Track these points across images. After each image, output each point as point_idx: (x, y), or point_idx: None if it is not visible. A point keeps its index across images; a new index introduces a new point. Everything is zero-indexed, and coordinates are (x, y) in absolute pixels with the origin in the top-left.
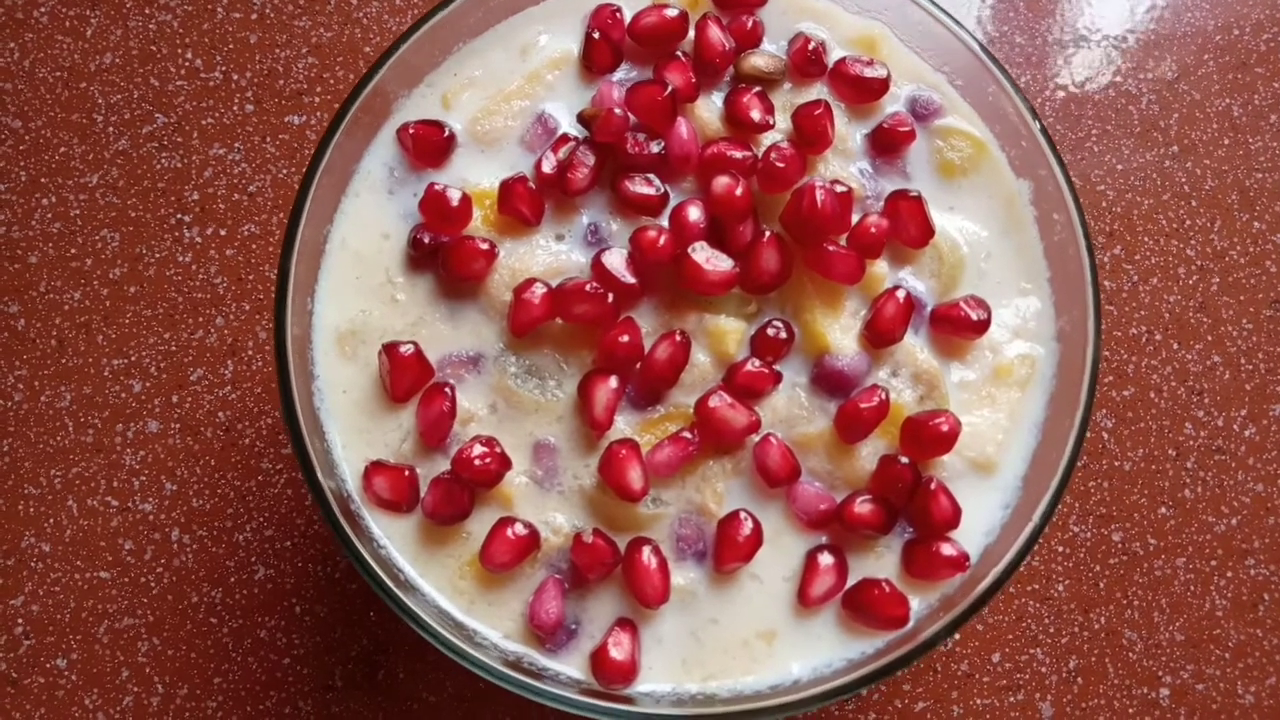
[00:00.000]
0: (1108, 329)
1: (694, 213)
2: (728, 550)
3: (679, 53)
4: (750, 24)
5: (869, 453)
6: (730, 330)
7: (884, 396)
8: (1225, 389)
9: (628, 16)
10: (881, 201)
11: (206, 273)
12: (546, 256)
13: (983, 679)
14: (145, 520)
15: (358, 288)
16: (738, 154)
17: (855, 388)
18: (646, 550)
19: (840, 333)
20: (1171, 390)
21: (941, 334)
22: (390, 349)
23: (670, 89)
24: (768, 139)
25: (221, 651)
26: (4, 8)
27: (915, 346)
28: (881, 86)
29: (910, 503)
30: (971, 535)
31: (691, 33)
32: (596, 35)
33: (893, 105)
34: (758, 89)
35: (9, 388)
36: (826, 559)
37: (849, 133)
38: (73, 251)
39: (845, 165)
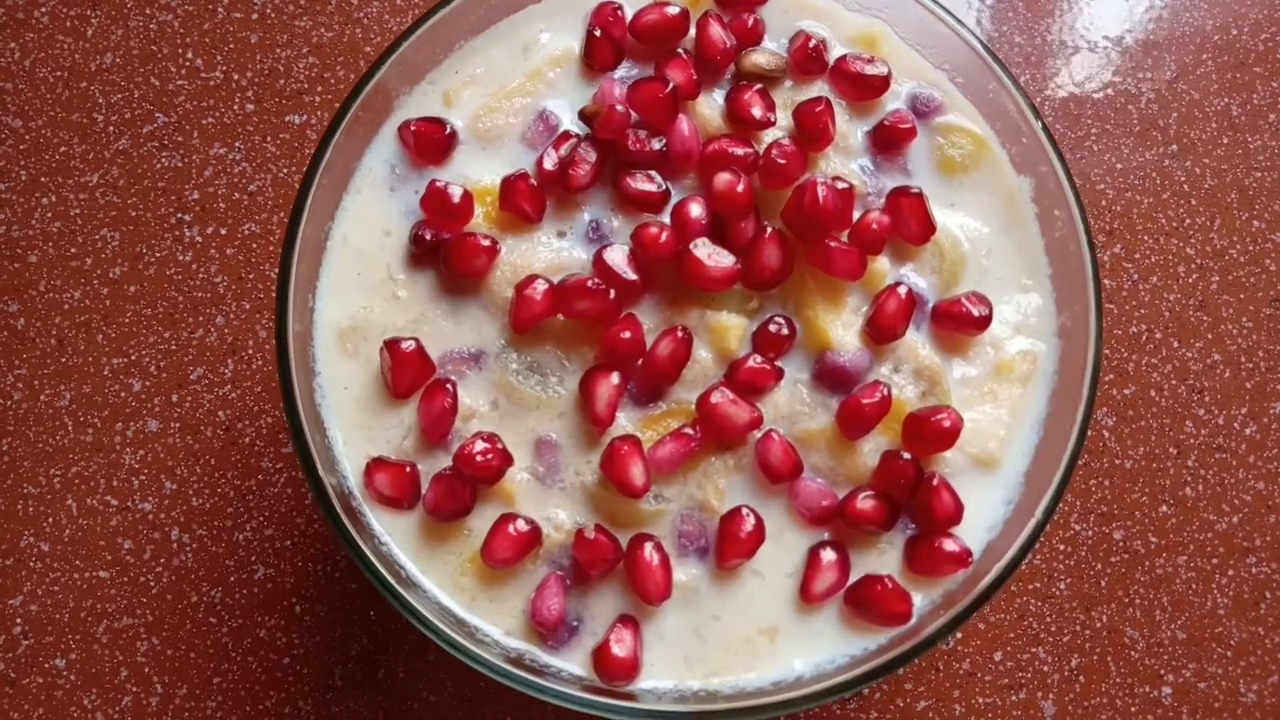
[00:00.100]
0: (1108, 328)
1: (695, 209)
2: (730, 546)
3: (680, 50)
4: (751, 22)
5: (871, 449)
6: (732, 326)
7: (886, 392)
8: (1226, 387)
9: (629, 14)
10: (882, 199)
11: (207, 272)
12: (548, 253)
13: (985, 678)
14: (145, 519)
15: (359, 284)
16: (739, 151)
17: (857, 384)
18: (648, 546)
19: (842, 329)
20: (1172, 388)
21: (943, 330)
22: (392, 345)
23: (672, 86)
24: (769, 136)
25: (221, 651)
26: (4, 7)
27: (917, 343)
28: (882, 84)
29: (912, 499)
30: (974, 531)
31: (693, 30)
32: (598, 33)
33: (893, 103)
34: (759, 86)
35: (8, 387)
36: (829, 555)
37: (850, 130)
38: (73, 251)
39: (846, 162)
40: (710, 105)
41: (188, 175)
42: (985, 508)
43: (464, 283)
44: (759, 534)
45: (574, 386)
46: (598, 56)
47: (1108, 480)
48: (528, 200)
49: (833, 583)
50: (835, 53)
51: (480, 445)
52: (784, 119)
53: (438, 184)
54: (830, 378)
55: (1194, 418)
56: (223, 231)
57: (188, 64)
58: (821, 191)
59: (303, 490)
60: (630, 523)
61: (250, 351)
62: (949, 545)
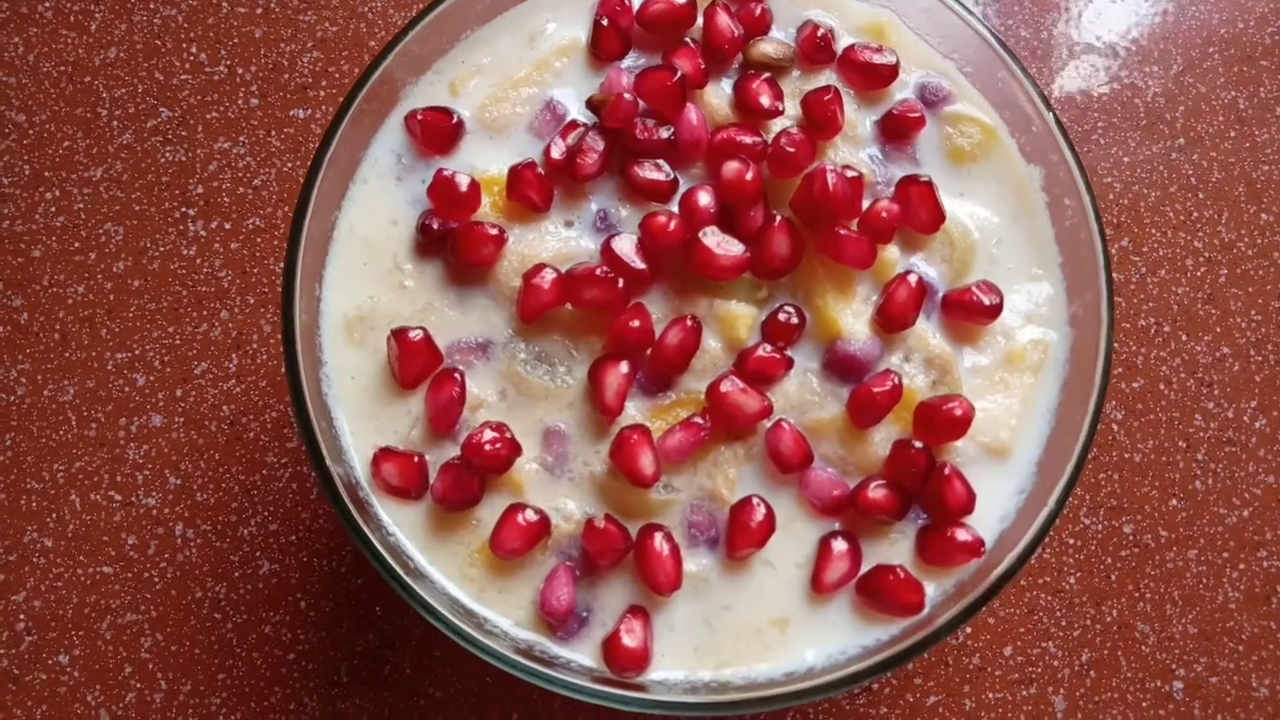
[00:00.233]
0: (1116, 321)
1: (704, 198)
2: (740, 536)
3: (687, 40)
4: (759, 11)
5: (882, 438)
6: (741, 315)
7: (897, 381)
8: (1235, 380)
9: (636, 4)
10: (891, 188)
11: (211, 266)
12: (556, 242)
13: (995, 672)
14: (149, 515)
15: (366, 274)
16: (747, 139)
17: (867, 373)
18: (658, 536)
19: (852, 318)
20: (1181, 382)
21: (953, 319)
22: (399, 334)
23: (680, 74)
24: (777, 125)
25: (226, 647)
26: (9, 2)
27: (927, 332)
28: (891, 73)
29: (924, 488)
30: (986, 521)
31: (700, 20)
32: (605, 22)
33: (902, 92)
34: (767, 75)
35: (12, 382)
36: (840, 545)
37: (858, 119)
38: (76, 245)
39: (855, 151)
40: (718, 94)
41: (192, 170)
42: (997, 497)
43: (471, 272)
44: (769, 524)
45: (582, 376)
46: (605, 46)
47: (1117, 474)
48: (535, 189)
49: (844, 573)
50: (843, 42)
51: (489, 434)
52: (792, 108)
53: (445, 173)
54: (840, 367)
55: (1203, 411)
56: (227, 226)
57: (192, 58)
58: (831, 179)
59: (308, 485)
60: (640, 513)
61: (255, 346)
62: (961, 535)
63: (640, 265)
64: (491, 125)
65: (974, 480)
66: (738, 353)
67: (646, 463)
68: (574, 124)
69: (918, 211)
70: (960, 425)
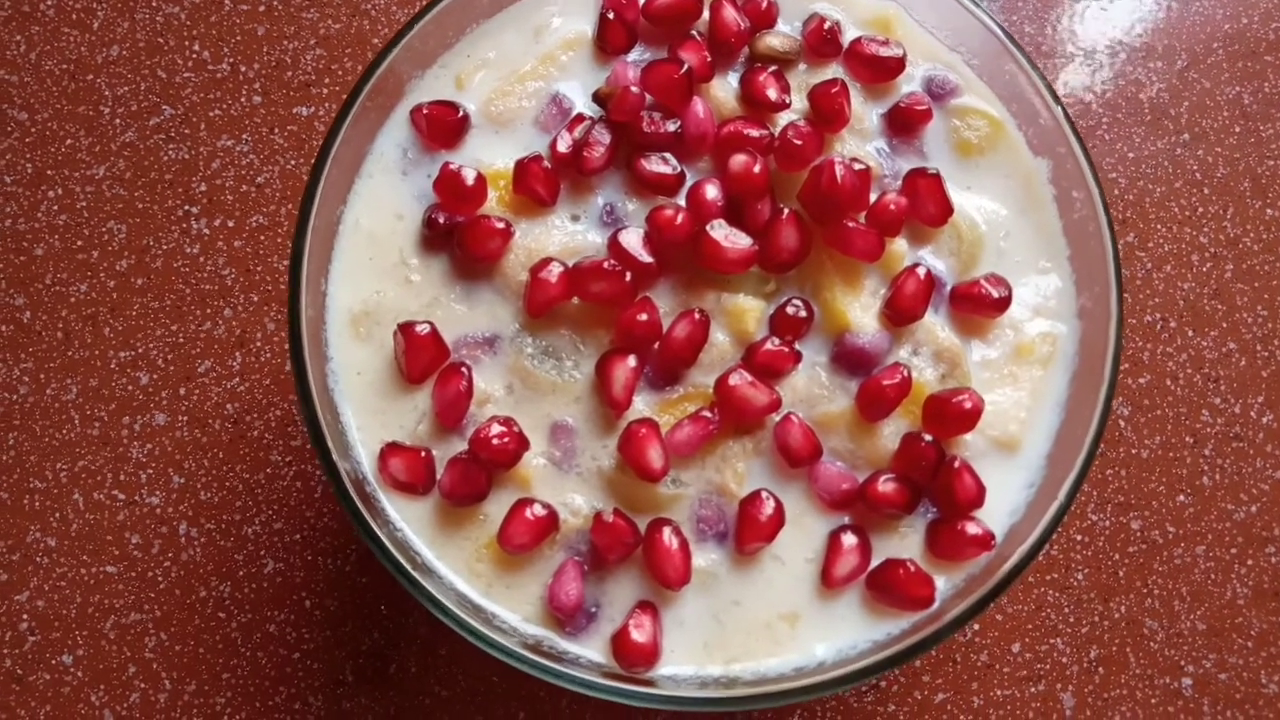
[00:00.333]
0: (1123, 315)
1: (711, 191)
2: (749, 530)
3: (694, 33)
4: (765, 4)
5: (891, 432)
6: (749, 309)
7: (906, 374)
8: (1242, 376)
9: None
10: (899, 181)
11: (214, 264)
12: (562, 236)
13: (1003, 669)
14: (152, 514)
15: (371, 269)
16: (754, 133)
17: (876, 366)
18: (667, 531)
19: (860, 311)
20: (1188, 377)
21: (962, 312)
22: (406, 328)
23: (686, 67)
24: (784, 118)
25: (230, 647)
26: (11, 0)
27: (936, 325)
28: (897, 66)
29: (934, 481)
30: (996, 515)
31: (706, 13)
32: (611, 16)
33: (908, 85)
34: (773, 68)
35: (15, 381)
36: (850, 539)
37: (865, 112)
38: (79, 244)
39: (862, 144)
40: (724, 88)
41: (195, 168)
42: (1007, 491)
43: (478, 266)
44: (779, 518)
45: (590, 370)
46: (611, 39)
47: (1124, 470)
48: (541, 183)
49: (854, 567)
50: (849, 35)
51: (497, 429)
52: (799, 102)
53: (451, 166)
54: (849, 360)
55: (1210, 406)
56: (230, 224)
57: (194, 56)
58: (839, 171)
59: (312, 484)
60: (648, 507)
61: (258, 344)
62: (971, 528)
63: (647, 259)
64: (497, 119)
65: (983, 474)
66: (746, 346)
67: (655, 457)
68: (580, 117)
69: (926, 204)
70: (970, 418)
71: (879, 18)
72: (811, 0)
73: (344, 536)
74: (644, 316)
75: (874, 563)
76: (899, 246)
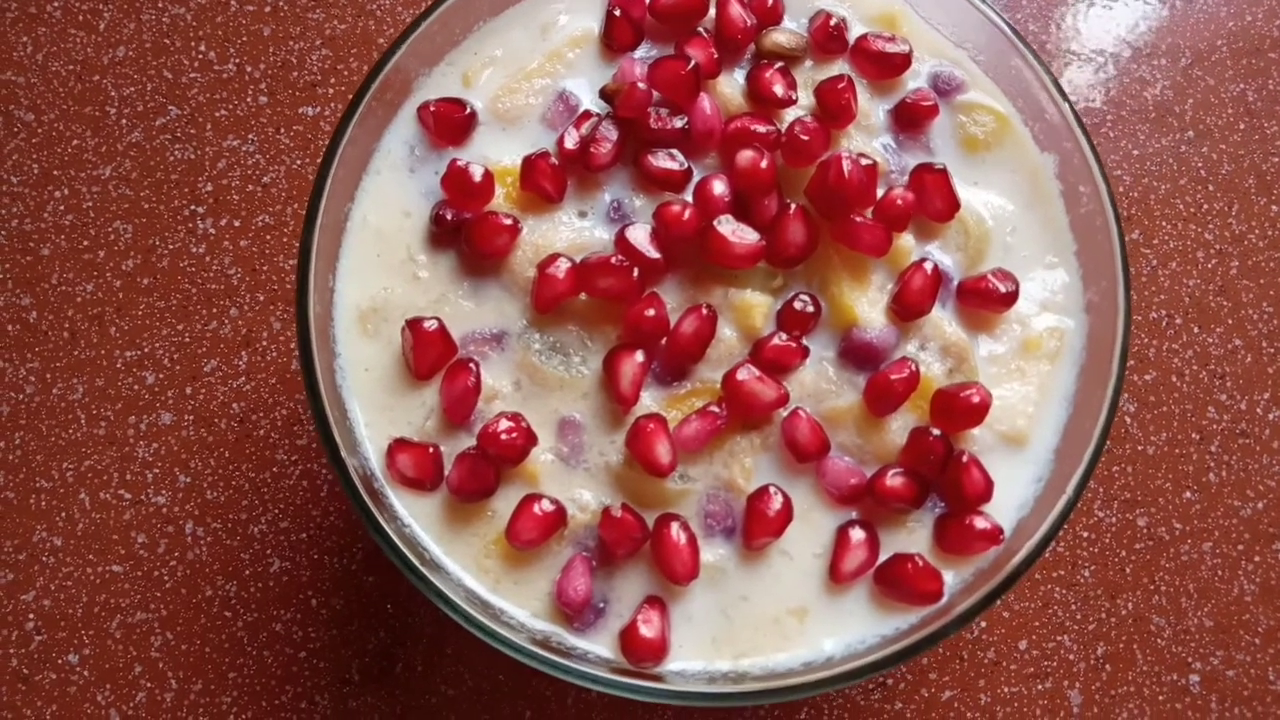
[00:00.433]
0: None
1: (718, 186)
2: (757, 525)
3: (700, 30)
4: (771, 1)
5: (899, 426)
6: (756, 304)
7: (914, 368)
8: (1248, 372)
9: None
10: (905, 177)
11: (220, 264)
12: (569, 233)
13: (1010, 666)
14: (158, 513)
15: (379, 265)
16: (761, 128)
17: (883, 361)
18: (675, 526)
19: (868, 305)
20: (1194, 374)
21: (969, 307)
22: (414, 324)
23: (693, 63)
24: (790, 114)
25: (236, 646)
26: (18, 2)
27: (943, 320)
28: (904, 62)
29: (942, 476)
30: (1004, 509)
31: (712, 11)
32: (618, 13)
33: (914, 81)
34: (780, 65)
35: (21, 380)
36: (858, 534)
37: (871, 108)
38: (85, 243)
39: (868, 140)
40: (731, 84)
41: (201, 167)
42: (1015, 485)
43: (485, 263)
44: (787, 512)
45: (597, 366)
46: (617, 37)
47: (1130, 467)
48: (549, 179)
49: (862, 562)
50: (855, 32)
51: (505, 424)
52: (805, 98)
53: (459, 163)
54: (856, 355)
55: (1216, 403)
56: (236, 223)
57: (200, 57)
58: (847, 166)
59: (318, 482)
60: (656, 502)
61: (264, 343)
62: (980, 523)
63: (655, 254)
64: (504, 116)
65: (991, 468)
66: (753, 342)
67: (663, 452)
68: (587, 114)
69: (933, 199)
70: (978, 413)
71: (885, 14)
72: None
73: (350, 535)
74: (651, 312)
75: (882, 557)
76: (906, 242)
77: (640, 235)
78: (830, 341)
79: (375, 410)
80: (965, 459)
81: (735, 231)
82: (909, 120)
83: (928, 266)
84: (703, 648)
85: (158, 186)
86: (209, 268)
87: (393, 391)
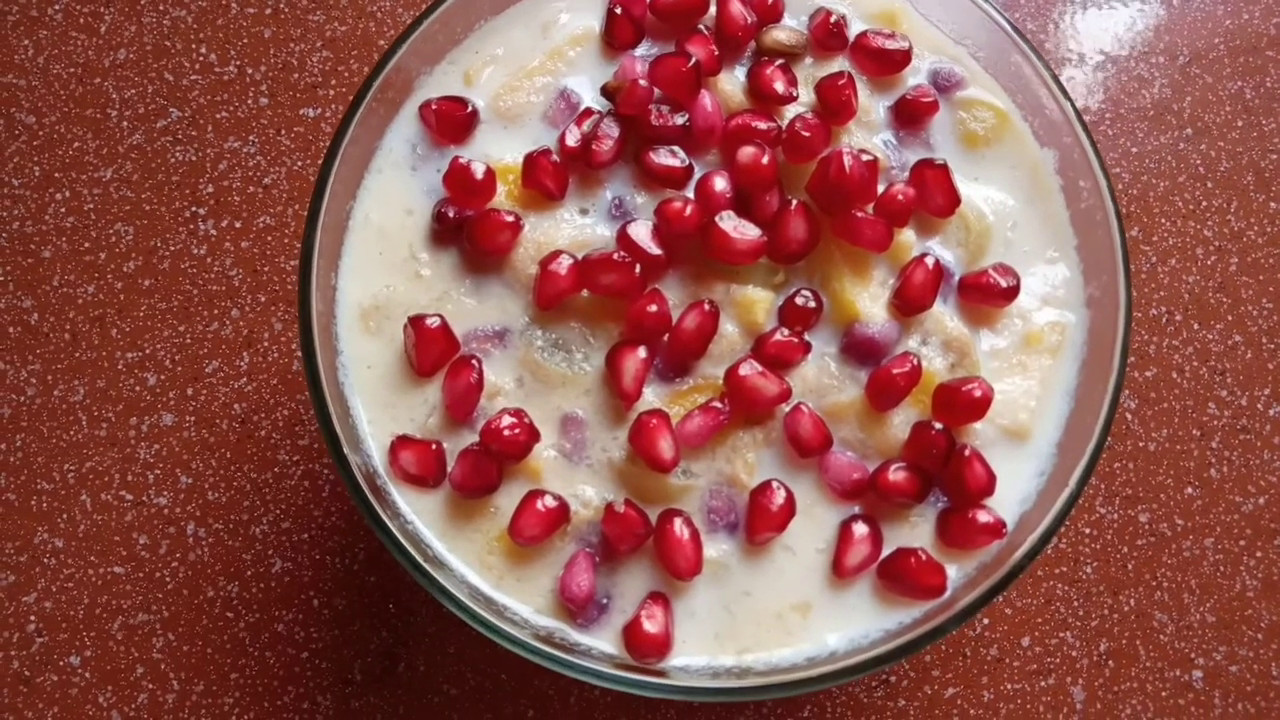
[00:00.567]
0: None
1: (720, 183)
2: (760, 520)
3: (701, 28)
4: None
5: (901, 421)
6: (758, 300)
7: (916, 362)
8: (1248, 368)
9: None
10: (906, 173)
11: (221, 265)
12: (571, 230)
13: (1013, 663)
14: (160, 514)
15: (381, 263)
16: (762, 125)
17: (885, 356)
18: (678, 522)
19: (869, 301)
20: (1194, 370)
21: (970, 302)
22: (416, 321)
23: (694, 60)
24: (791, 111)
25: (238, 647)
26: (18, 5)
27: (944, 314)
28: (904, 58)
29: (944, 470)
30: (1006, 503)
31: (713, 9)
32: (618, 11)
33: (914, 78)
34: (780, 62)
35: (22, 382)
36: (860, 529)
37: (872, 105)
38: (86, 245)
39: (869, 137)
40: (732, 82)
41: (202, 169)
42: (1018, 479)
43: (487, 260)
44: (790, 507)
45: (599, 363)
46: (618, 35)
47: (1132, 463)
48: (550, 177)
49: (865, 556)
50: (855, 28)
51: (508, 420)
52: (805, 95)
53: (461, 160)
54: (858, 350)
55: (1217, 399)
56: (237, 225)
57: (201, 59)
58: (848, 161)
59: (320, 483)
60: (659, 498)
61: (266, 344)
62: (982, 517)
63: (656, 251)
64: (506, 114)
65: (994, 462)
66: (755, 337)
67: (665, 447)
68: (589, 111)
69: (933, 195)
70: (980, 407)
71: (885, 11)
72: None
73: (352, 535)
74: (653, 308)
75: (885, 552)
76: (907, 237)
77: (642, 232)
78: (832, 337)
79: (378, 407)
80: (967, 453)
81: (737, 227)
82: (909, 116)
83: (929, 262)
84: (706, 643)
85: (159, 188)
86: (210, 269)
87: (395, 389)
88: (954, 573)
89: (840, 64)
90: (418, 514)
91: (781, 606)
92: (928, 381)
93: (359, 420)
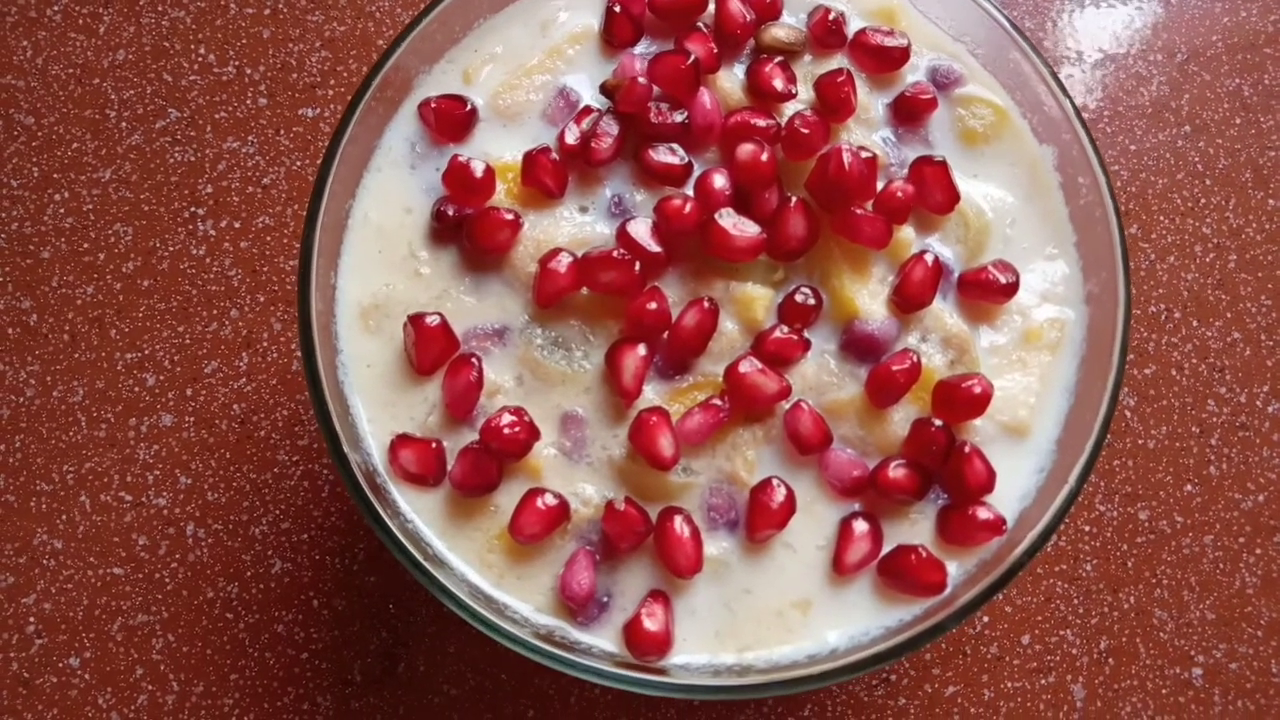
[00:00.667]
0: None
1: (719, 180)
2: (760, 518)
3: (699, 25)
4: None
5: (900, 418)
6: (758, 297)
7: (915, 359)
8: (1247, 365)
9: None
10: (905, 170)
11: (220, 265)
12: (571, 228)
13: (1013, 661)
14: (159, 515)
15: (380, 262)
16: (761, 122)
17: (885, 353)
18: (678, 520)
19: (869, 298)
20: (1193, 367)
21: (970, 299)
22: (416, 320)
23: (693, 58)
24: (790, 109)
25: (238, 647)
26: (17, 6)
27: (944, 311)
28: (902, 55)
29: (944, 467)
30: (1006, 500)
31: (712, 6)
32: (617, 9)
33: (913, 75)
34: (779, 59)
35: (21, 383)
36: (861, 526)
37: (871, 102)
38: (85, 246)
39: (868, 134)
40: (731, 79)
41: (201, 169)
42: (1017, 476)
43: (487, 258)
44: (790, 505)
45: (599, 361)
46: (617, 33)
47: (1131, 460)
48: (550, 175)
49: (865, 554)
50: (854, 26)
51: (507, 418)
52: (804, 92)
53: (460, 158)
54: (858, 347)
55: (1216, 396)
56: (236, 225)
57: (200, 59)
58: (847, 158)
59: (319, 483)
60: (659, 496)
61: (265, 344)
62: (982, 513)
63: (656, 248)
64: (505, 113)
65: (993, 459)
66: (755, 335)
67: (665, 445)
68: (588, 110)
69: (933, 192)
70: (979, 403)
71: (883, 9)
72: None
73: (352, 536)
74: (653, 306)
75: (885, 549)
76: (906, 234)
77: (641, 229)
78: (832, 334)
79: (377, 406)
80: (967, 450)
81: (736, 225)
82: (908, 114)
83: (928, 258)
84: (706, 641)
85: (158, 189)
86: (209, 269)
87: (395, 387)
88: (954, 570)
89: (839, 61)
90: (418, 513)
91: (782, 604)
92: (927, 378)
93: (359, 419)
